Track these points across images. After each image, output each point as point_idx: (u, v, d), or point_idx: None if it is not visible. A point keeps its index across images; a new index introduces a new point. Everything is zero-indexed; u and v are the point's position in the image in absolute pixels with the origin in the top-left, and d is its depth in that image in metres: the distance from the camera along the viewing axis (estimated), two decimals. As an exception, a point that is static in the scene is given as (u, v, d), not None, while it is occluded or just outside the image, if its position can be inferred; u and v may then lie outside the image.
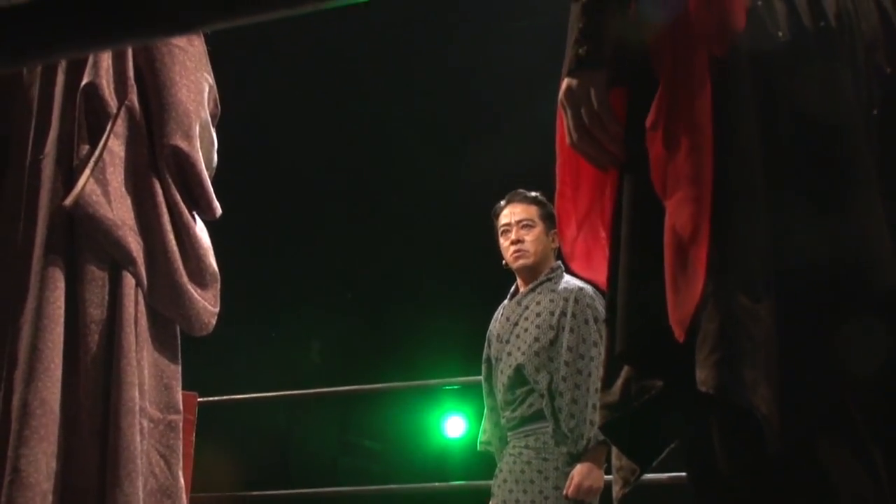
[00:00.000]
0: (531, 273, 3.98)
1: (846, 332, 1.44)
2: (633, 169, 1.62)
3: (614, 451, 1.71)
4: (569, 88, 1.68)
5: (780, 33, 1.56)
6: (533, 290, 3.97)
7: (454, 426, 10.77)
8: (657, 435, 1.68)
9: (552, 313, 3.83)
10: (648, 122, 1.56)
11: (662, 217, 1.52)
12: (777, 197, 1.49)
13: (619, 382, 1.63)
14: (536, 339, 3.80)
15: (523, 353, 3.80)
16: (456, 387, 5.76)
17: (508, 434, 3.86)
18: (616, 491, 1.70)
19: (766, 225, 1.47)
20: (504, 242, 4.00)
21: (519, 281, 4.06)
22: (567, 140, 1.71)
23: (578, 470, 3.62)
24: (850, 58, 1.59)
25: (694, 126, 1.52)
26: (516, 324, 3.93)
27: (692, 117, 1.52)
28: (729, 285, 1.44)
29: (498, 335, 3.99)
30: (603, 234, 1.77)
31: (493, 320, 4.09)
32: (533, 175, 3.82)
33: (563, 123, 1.72)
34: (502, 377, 3.88)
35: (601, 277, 1.72)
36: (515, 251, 3.95)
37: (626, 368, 1.62)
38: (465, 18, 8.13)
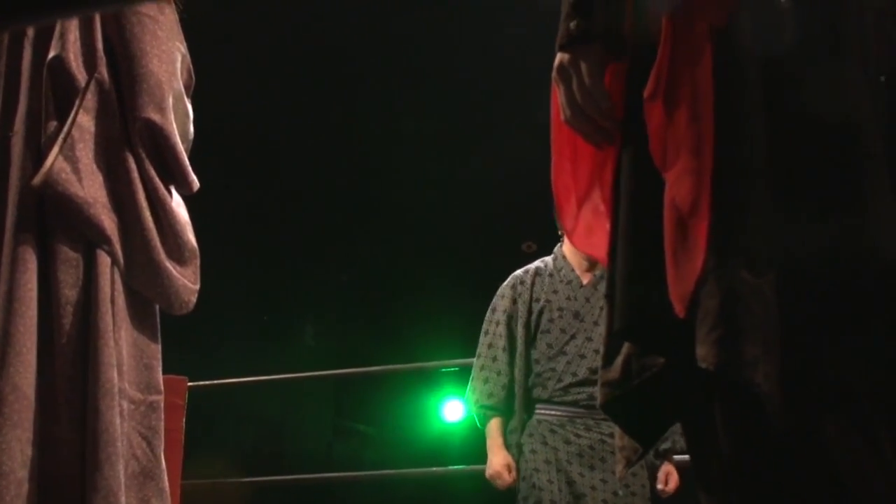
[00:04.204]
0: (591, 260, 4.04)
1: (850, 308, 1.40)
2: (631, 141, 1.60)
3: (616, 430, 1.69)
4: (560, 64, 1.67)
5: (782, 0, 1.52)
6: (595, 280, 4.06)
7: (453, 410, 10.74)
8: (659, 413, 1.65)
9: None
10: (647, 92, 1.54)
11: (662, 190, 1.50)
12: (780, 169, 1.45)
13: (620, 360, 1.62)
14: None
15: None
16: (454, 369, 5.71)
17: (573, 409, 3.87)
18: (619, 471, 1.68)
19: (769, 198, 1.44)
20: None
21: (574, 260, 4.09)
22: (561, 116, 1.70)
23: (673, 468, 3.82)
24: (858, 23, 1.55)
25: (694, 96, 1.49)
26: (597, 308, 4.00)
27: (692, 87, 1.49)
28: (730, 260, 1.41)
29: (576, 312, 4.00)
30: (603, 209, 1.76)
31: (534, 282, 4.11)
32: (534, 161, 3.81)
33: (558, 99, 1.71)
34: (592, 357, 3.89)
35: (602, 253, 1.71)
36: None
37: (626, 345, 1.61)
38: (466, 15, 8.13)
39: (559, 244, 4.22)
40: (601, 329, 3.91)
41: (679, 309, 1.44)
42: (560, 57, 1.66)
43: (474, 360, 4.13)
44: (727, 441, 1.46)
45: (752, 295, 1.38)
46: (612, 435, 3.83)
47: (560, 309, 4.02)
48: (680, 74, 1.50)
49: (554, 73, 1.69)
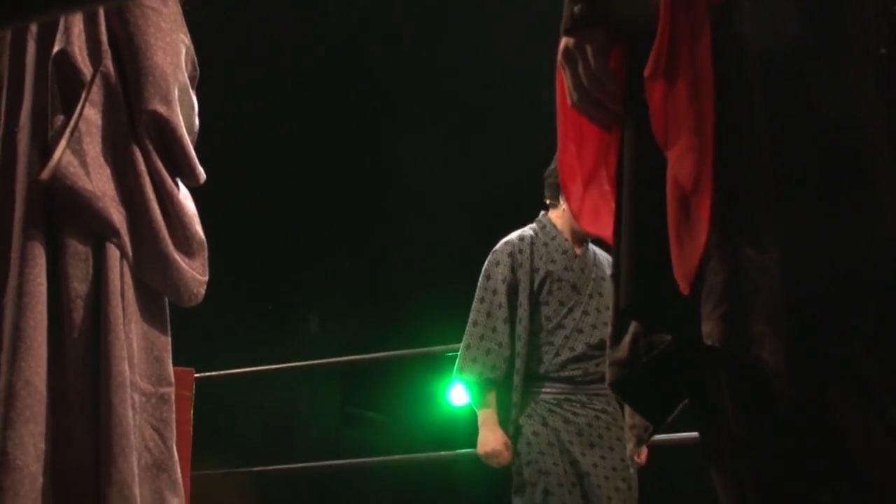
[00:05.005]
0: (585, 234, 3.99)
1: (857, 283, 1.39)
2: (633, 121, 1.59)
3: (627, 408, 1.69)
4: (566, 48, 1.66)
5: None
6: (586, 251, 4.01)
7: (460, 394, 10.66)
8: (669, 391, 1.65)
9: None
10: (647, 71, 1.52)
11: (665, 169, 1.49)
12: (782, 144, 1.44)
13: (628, 338, 1.61)
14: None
15: None
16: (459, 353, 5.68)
17: (568, 386, 3.83)
18: (630, 449, 1.68)
19: (772, 174, 1.43)
20: None
21: (566, 230, 4.03)
22: (568, 101, 1.69)
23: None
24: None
25: (694, 74, 1.48)
26: (592, 280, 3.95)
27: (692, 65, 1.48)
28: (734, 237, 1.40)
29: (573, 284, 3.94)
30: (609, 190, 1.75)
31: (532, 250, 3.99)
32: (541, 150, 3.82)
33: (563, 82, 1.70)
34: (589, 332, 3.87)
35: (609, 233, 1.70)
36: None
37: (633, 324, 1.60)
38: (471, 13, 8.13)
39: (543, 212, 4.14)
40: (596, 302, 3.92)
41: (684, 286, 1.43)
42: (565, 41, 1.65)
43: (468, 327, 3.95)
44: (735, 418, 1.44)
45: (756, 271, 1.37)
46: (604, 411, 3.83)
47: (559, 280, 3.93)
48: (679, 53, 1.49)
49: (559, 58, 1.68)
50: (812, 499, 1.40)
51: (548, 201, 4.11)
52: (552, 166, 4.03)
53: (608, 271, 3.98)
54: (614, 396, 3.67)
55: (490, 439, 3.81)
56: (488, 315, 3.91)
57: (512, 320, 3.90)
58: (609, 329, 1.65)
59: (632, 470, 3.77)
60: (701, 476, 1.72)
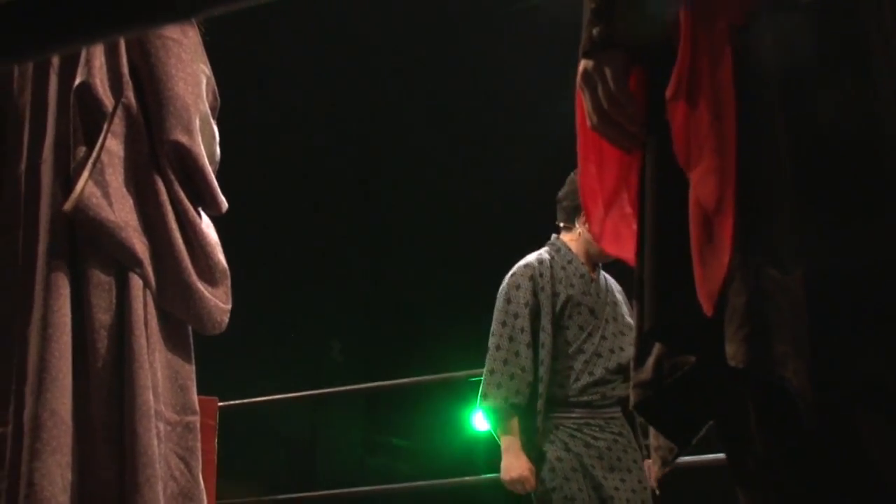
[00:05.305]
0: (599, 258, 4.00)
1: (881, 303, 1.39)
2: (655, 142, 1.59)
3: (651, 430, 1.68)
4: (585, 71, 1.66)
5: None
6: (599, 275, 4.02)
7: (483, 419, 10.59)
8: (694, 413, 1.64)
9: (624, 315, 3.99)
10: (668, 92, 1.54)
11: (687, 190, 1.49)
12: (804, 165, 1.44)
13: (651, 360, 1.60)
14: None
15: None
16: (482, 378, 5.67)
17: (587, 411, 3.82)
18: (656, 471, 1.66)
19: (794, 194, 1.43)
20: None
21: (581, 253, 4.01)
22: (588, 123, 1.70)
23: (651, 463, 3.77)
24: (880, 20, 1.53)
25: (715, 95, 1.48)
26: (608, 305, 3.97)
27: (713, 86, 1.49)
28: (756, 257, 1.41)
29: (591, 308, 3.93)
30: (630, 212, 1.75)
31: (552, 274, 3.94)
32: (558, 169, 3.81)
33: (583, 104, 1.71)
34: (607, 357, 3.87)
35: (631, 255, 1.70)
36: None
37: (657, 346, 1.59)
38: (478, 21, 8.15)
39: (555, 235, 4.10)
40: (612, 327, 3.92)
41: (707, 308, 1.44)
42: (584, 63, 1.66)
43: (491, 351, 3.87)
44: (761, 438, 1.45)
45: (779, 292, 1.37)
46: (621, 434, 3.82)
47: (578, 304, 3.90)
48: (701, 74, 1.50)
49: (579, 80, 1.68)
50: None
51: (561, 224, 4.08)
52: (566, 189, 4.03)
53: (619, 297, 4.04)
54: (638, 418, 3.74)
55: (515, 465, 3.75)
56: (511, 339, 3.84)
57: (534, 344, 3.84)
58: (633, 351, 1.64)
59: (646, 489, 3.77)
60: (717, 498, 1.71)
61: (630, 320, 3.91)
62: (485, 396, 3.85)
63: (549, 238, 4.12)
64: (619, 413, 3.85)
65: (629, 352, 3.81)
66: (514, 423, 3.81)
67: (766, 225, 1.42)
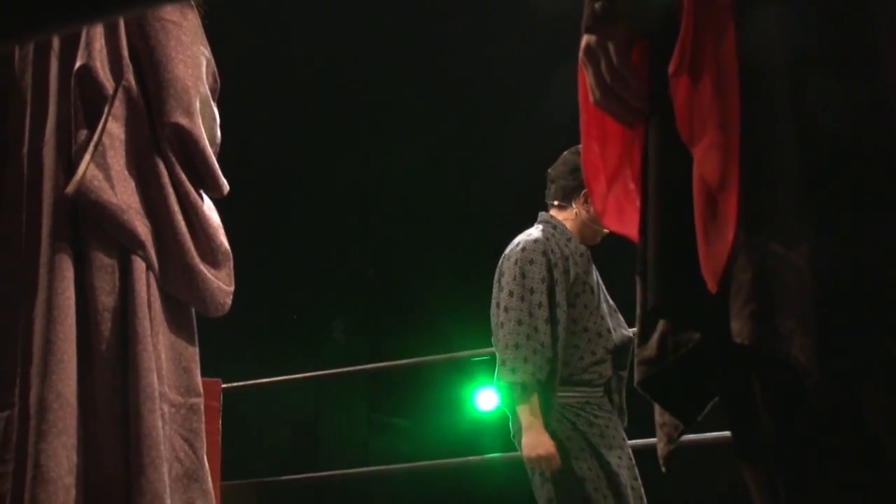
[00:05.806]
0: (592, 240, 4.00)
1: (888, 278, 1.37)
2: (658, 118, 1.58)
3: (656, 407, 1.67)
4: (587, 46, 1.64)
5: None
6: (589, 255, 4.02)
7: (487, 399, 10.55)
8: (699, 389, 1.63)
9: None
10: (671, 67, 1.51)
11: (691, 166, 1.47)
12: (808, 139, 1.42)
13: (656, 337, 1.59)
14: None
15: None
16: (486, 357, 5.63)
17: (587, 389, 3.81)
18: (661, 448, 1.66)
19: (798, 169, 1.41)
20: None
21: (576, 232, 3.97)
22: (590, 98, 1.68)
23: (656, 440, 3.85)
24: None
25: (718, 69, 1.46)
26: (599, 285, 3.98)
27: (716, 61, 1.47)
28: (761, 233, 1.39)
29: (592, 288, 3.92)
30: (633, 188, 1.73)
31: (557, 249, 3.87)
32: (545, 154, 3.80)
33: (585, 80, 1.68)
34: (606, 336, 3.87)
35: (633, 232, 1.68)
36: None
37: (661, 322, 1.57)
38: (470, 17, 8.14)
39: (548, 213, 4.02)
40: (605, 308, 3.92)
41: (711, 284, 1.42)
42: (586, 39, 1.64)
43: (511, 326, 3.75)
44: (766, 415, 1.44)
45: (785, 268, 1.36)
46: (611, 412, 3.82)
47: (583, 283, 3.86)
48: (704, 48, 1.48)
49: (581, 55, 1.66)
50: (845, 496, 1.40)
51: (556, 203, 4.00)
52: (559, 167, 3.97)
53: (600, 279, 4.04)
54: (615, 395, 3.79)
55: (542, 441, 3.65)
56: (530, 314, 3.75)
57: (553, 321, 3.78)
58: (637, 328, 1.64)
59: (635, 466, 3.79)
60: (722, 475, 1.70)
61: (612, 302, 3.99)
62: (512, 371, 3.71)
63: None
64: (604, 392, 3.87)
65: (619, 333, 3.89)
66: (536, 399, 3.70)
67: (771, 201, 1.40)
